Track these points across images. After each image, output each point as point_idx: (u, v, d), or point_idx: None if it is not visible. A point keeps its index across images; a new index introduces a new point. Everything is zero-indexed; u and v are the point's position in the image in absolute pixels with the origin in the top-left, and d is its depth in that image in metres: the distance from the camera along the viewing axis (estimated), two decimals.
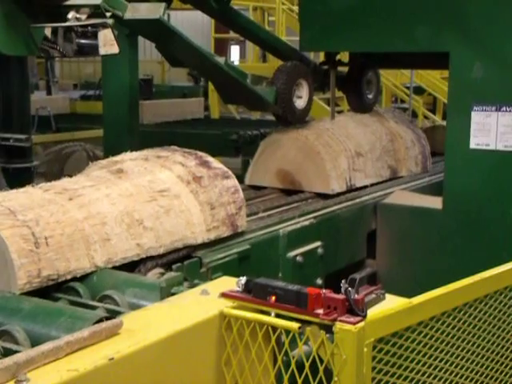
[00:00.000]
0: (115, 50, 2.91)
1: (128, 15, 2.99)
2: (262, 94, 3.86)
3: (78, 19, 2.88)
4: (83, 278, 2.35)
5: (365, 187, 4.09)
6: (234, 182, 3.02)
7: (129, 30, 3.57)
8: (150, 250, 2.58)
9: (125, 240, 2.50)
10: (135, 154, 3.02)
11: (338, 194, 3.87)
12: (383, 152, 4.34)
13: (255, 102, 3.98)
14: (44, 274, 2.21)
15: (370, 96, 4.64)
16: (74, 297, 2.25)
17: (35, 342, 1.79)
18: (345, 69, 4.70)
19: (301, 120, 4.14)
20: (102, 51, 2.91)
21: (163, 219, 2.65)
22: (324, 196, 3.85)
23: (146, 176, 2.77)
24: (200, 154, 3.07)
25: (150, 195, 2.68)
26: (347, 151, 4.03)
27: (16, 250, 2.16)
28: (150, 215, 2.61)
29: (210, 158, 3.07)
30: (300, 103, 4.08)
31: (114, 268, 2.44)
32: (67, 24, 2.90)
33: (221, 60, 3.61)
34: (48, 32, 3.00)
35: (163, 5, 3.07)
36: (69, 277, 2.30)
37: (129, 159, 2.93)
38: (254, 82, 3.86)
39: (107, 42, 2.86)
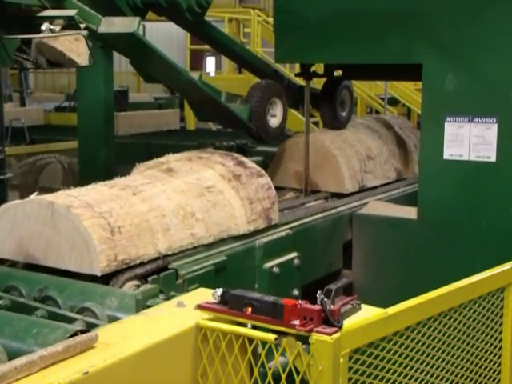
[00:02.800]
0: (89, 61, 2.90)
1: (102, 29, 2.98)
2: (236, 112, 3.87)
3: (51, 30, 2.86)
4: (62, 289, 2.34)
5: (375, 187, 4.43)
6: (267, 179, 3.37)
7: (104, 45, 3.56)
8: (202, 239, 2.92)
9: (181, 230, 2.83)
10: (178, 155, 3.36)
11: (352, 194, 4.21)
12: (390, 155, 4.70)
13: (229, 119, 3.98)
14: (119, 259, 2.53)
15: (344, 114, 4.68)
16: (52, 307, 2.23)
17: (9, 357, 1.76)
18: (319, 86, 4.73)
19: (275, 138, 4.16)
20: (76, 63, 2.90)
21: (211, 212, 2.99)
22: (339, 195, 4.19)
23: (193, 174, 3.12)
24: (235, 155, 3.44)
25: (199, 191, 3.03)
26: (359, 154, 4.39)
27: (97, 237, 2.48)
28: (200, 208, 2.95)
29: (244, 159, 3.41)
30: (274, 121, 4.10)
31: (173, 255, 2.74)
32: (41, 36, 2.88)
33: (195, 76, 3.61)
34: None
35: (137, 19, 3.06)
36: (138, 262, 2.60)
37: (174, 160, 3.28)
38: (228, 100, 3.86)
39: (81, 54, 2.85)
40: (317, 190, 4.25)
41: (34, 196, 2.74)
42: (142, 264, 2.65)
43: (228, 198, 3.11)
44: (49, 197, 2.64)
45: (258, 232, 3.23)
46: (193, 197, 2.97)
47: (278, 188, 4.10)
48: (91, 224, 2.50)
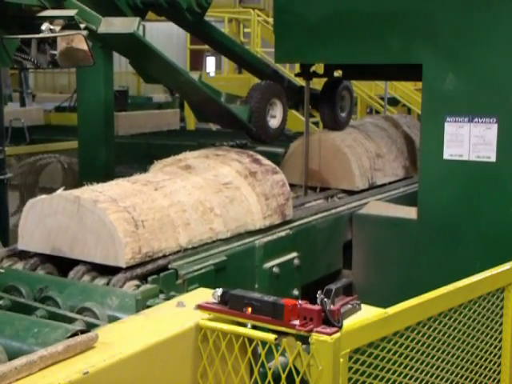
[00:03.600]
0: (89, 61, 2.89)
1: (102, 29, 2.97)
2: (236, 113, 3.87)
3: (51, 30, 2.85)
4: (62, 289, 2.34)
5: (384, 185, 4.53)
6: (281, 176, 3.46)
7: (103, 45, 3.55)
8: (220, 234, 3.02)
9: (200, 224, 2.93)
10: (195, 153, 3.44)
11: (362, 191, 4.31)
12: (399, 154, 4.82)
13: (229, 120, 3.98)
14: (143, 251, 2.62)
15: (344, 114, 4.69)
16: (52, 307, 2.23)
17: (9, 356, 1.76)
18: (319, 87, 4.73)
19: (274, 139, 4.16)
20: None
21: (229, 208, 3.09)
22: (350, 192, 4.29)
23: (211, 171, 3.21)
24: (251, 152, 3.54)
25: (217, 187, 3.12)
26: (369, 152, 4.49)
27: (122, 230, 2.57)
28: (218, 204, 3.05)
29: (259, 156, 3.49)
30: (274, 122, 4.10)
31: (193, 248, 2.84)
32: (41, 35, 2.87)
33: (195, 77, 3.61)
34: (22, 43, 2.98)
35: (137, 19, 3.06)
36: (160, 254, 2.70)
37: (191, 157, 3.37)
38: (228, 101, 3.86)
39: (81, 54, 2.84)
40: (327, 188, 4.36)
41: (60, 191, 2.82)
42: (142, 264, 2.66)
43: (245, 194, 3.21)
44: (75, 192, 2.74)
45: (273, 227, 3.33)
46: (211, 193, 3.08)
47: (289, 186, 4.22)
48: (116, 218, 2.60)
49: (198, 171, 3.20)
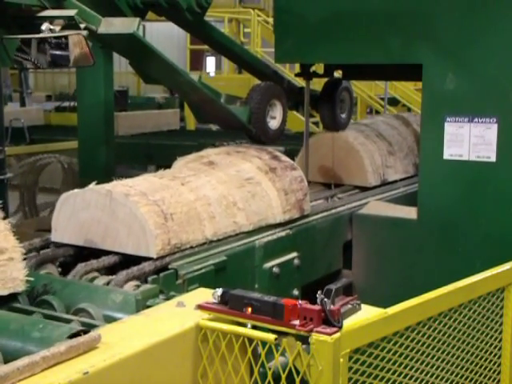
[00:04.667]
0: (90, 61, 2.89)
1: (102, 29, 2.97)
2: (236, 114, 3.86)
3: (51, 30, 2.85)
4: (57, 291, 2.33)
5: (395, 181, 4.65)
6: (299, 172, 3.58)
7: (103, 45, 3.55)
8: (243, 227, 3.14)
9: (225, 218, 3.06)
10: (216, 149, 3.58)
11: (374, 187, 4.43)
12: (409, 151, 4.92)
13: (229, 121, 3.97)
14: (172, 243, 2.75)
15: (344, 115, 4.70)
16: (48, 310, 2.23)
17: (9, 357, 1.76)
18: (319, 88, 4.73)
19: (274, 140, 4.16)
20: (76, 63, 2.90)
21: (251, 202, 3.22)
22: (362, 188, 4.40)
23: (233, 167, 3.34)
24: (270, 149, 3.66)
25: (240, 182, 3.25)
26: (380, 150, 4.62)
27: (152, 223, 2.70)
28: (241, 198, 3.17)
29: (278, 153, 3.62)
30: (274, 123, 4.10)
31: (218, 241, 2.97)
32: (41, 35, 2.87)
33: (195, 77, 3.60)
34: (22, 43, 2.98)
35: (137, 20, 3.06)
36: (187, 246, 2.83)
37: (213, 154, 3.49)
38: (228, 101, 3.86)
39: (81, 54, 2.84)
40: (341, 184, 4.49)
41: (92, 185, 2.92)
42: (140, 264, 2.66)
43: (265, 189, 3.34)
44: (106, 186, 2.86)
45: (292, 221, 3.43)
46: (234, 187, 3.20)
47: None
48: (147, 210, 2.73)
49: (220, 167, 3.33)
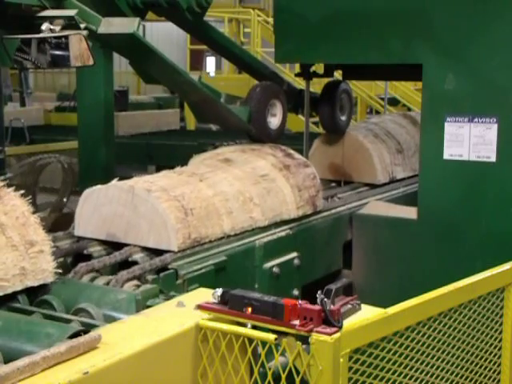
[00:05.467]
0: (89, 61, 2.89)
1: (102, 29, 2.97)
2: (236, 113, 3.86)
3: (51, 30, 2.85)
4: (57, 292, 2.33)
5: (403, 179, 4.76)
6: (312, 169, 3.69)
7: (103, 45, 3.55)
8: (259, 222, 3.24)
9: (241, 213, 3.16)
10: (232, 147, 3.71)
11: (383, 184, 4.56)
12: (417, 149, 4.90)
13: (229, 121, 3.96)
14: (192, 237, 2.85)
15: (343, 117, 4.70)
16: (48, 310, 2.23)
17: (9, 357, 1.76)
18: (318, 90, 4.73)
19: (274, 139, 4.15)
20: (76, 63, 2.90)
21: (266, 198, 3.32)
22: (372, 186, 4.52)
23: (248, 164, 3.46)
24: (283, 147, 3.76)
25: (255, 179, 3.36)
26: (389, 148, 4.73)
27: (174, 217, 2.80)
28: (256, 194, 3.28)
29: (291, 151, 3.74)
30: (274, 123, 4.09)
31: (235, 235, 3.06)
32: (41, 35, 2.87)
33: (195, 77, 3.60)
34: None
35: (137, 20, 3.05)
36: (207, 240, 2.93)
37: (228, 151, 3.62)
38: (228, 101, 3.85)
39: (81, 54, 2.84)
40: (350, 181, 4.59)
41: (114, 181, 2.99)
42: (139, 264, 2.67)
43: (280, 185, 3.44)
44: (129, 182, 2.96)
45: (305, 217, 3.54)
46: (250, 184, 3.30)
47: None
48: (168, 206, 2.82)
49: (236, 164, 3.43)
